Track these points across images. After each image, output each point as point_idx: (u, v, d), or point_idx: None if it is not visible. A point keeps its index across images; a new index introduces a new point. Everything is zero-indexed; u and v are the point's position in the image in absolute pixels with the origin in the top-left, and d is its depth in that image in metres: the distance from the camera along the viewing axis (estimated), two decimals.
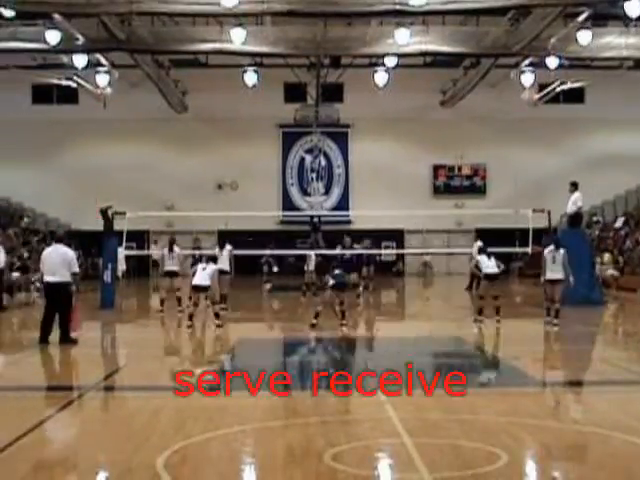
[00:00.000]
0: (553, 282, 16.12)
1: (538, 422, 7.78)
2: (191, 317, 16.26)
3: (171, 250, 19.56)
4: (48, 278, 13.86)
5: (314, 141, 39.18)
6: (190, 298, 16.77)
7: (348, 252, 21.44)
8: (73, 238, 35.29)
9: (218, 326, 15.95)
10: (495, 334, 15.39)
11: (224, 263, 18.87)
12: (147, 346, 14.36)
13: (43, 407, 9.16)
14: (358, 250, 23.49)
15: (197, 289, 16.32)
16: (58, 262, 13.65)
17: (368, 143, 38.46)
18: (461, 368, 12.19)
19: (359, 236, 25.57)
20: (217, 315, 16.25)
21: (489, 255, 17.15)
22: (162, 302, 19.51)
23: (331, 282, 15.69)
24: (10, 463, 6.54)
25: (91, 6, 22.77)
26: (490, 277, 16.85)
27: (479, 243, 23.37)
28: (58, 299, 13.70)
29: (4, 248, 21.97)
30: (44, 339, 13.55)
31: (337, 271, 15.91)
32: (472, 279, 24.96)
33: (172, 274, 19.50)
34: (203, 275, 16.27)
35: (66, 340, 13.54)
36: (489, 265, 16.87)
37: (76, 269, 13.81)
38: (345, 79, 35.95)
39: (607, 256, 29.12)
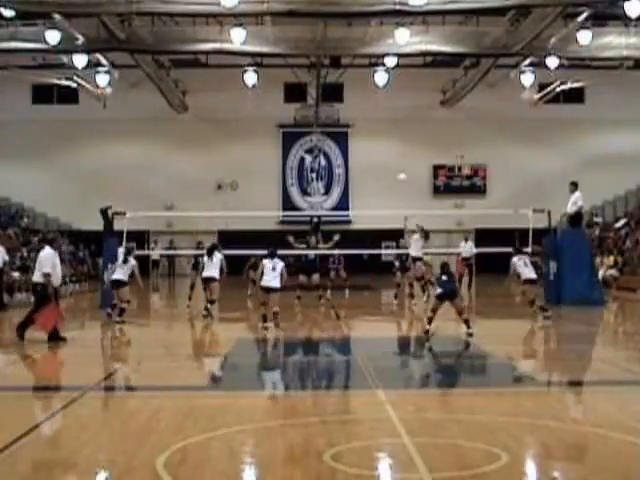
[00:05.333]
0: (531, 282, 17.32)
1: (538, 422, 7.77)
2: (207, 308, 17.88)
3: (125, 261, 17.82)
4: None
5: (314, 141, 39.19)
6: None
7: (312, 252, 21.48)
8: (73, 238, 35.52)
9: (205, 316, 17.56)
10: (495, 334, 15.39)
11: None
12: (147, 346, 14.35)
13: (43, 407, 9.16)
14: (332, 250, 22.95)
15: (206, 281, 18.01)
16: (37, 263, 14.51)
17: (368, 143, 38.43)
18: (460, 368, 12.20)
19: (328, 233, 24.11)
20: (207, 307, 17.80)
21: (448, 274, 14.52)
22: (113, 307, 18.00)
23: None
24: (10, 463, 6.54)
25: (91, 6, 22.78)
26: (442, 298, 14.48)
27: (469, 243, 23.63)
28: (36, 297, 14.54)
29: (4, 248, 21.99)
30: (21, 335, 14.21)
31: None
32: (471, 277, 25.20)
33: (117, 283, 17.73)
34: (211, 267, 17.85)
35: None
36: (441, 285, 14.39)
37: (45, 270, 14.05)
38: (345, 79, 35.96)
39: (607, 256, 29.10)
